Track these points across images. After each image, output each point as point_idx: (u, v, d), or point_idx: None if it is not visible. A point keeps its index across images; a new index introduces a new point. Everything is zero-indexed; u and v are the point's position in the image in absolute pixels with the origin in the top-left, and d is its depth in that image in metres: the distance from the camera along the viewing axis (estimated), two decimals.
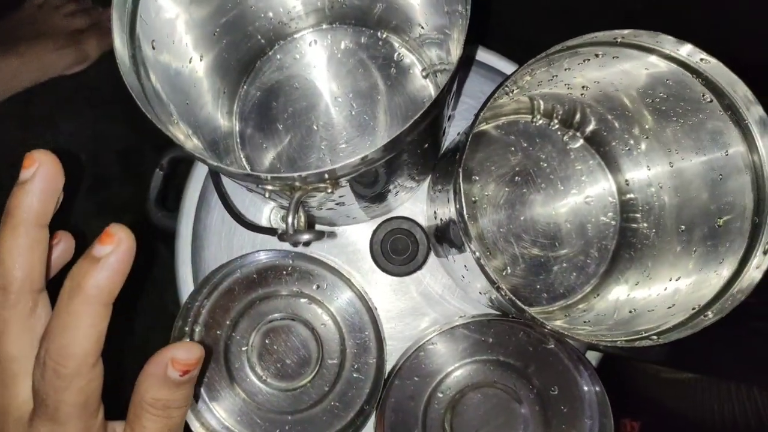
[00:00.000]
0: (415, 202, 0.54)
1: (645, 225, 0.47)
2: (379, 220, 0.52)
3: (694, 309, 0.36)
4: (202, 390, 0.51)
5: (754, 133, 0.35)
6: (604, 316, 0.44)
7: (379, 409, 0.47)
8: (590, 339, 0.36)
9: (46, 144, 0.72)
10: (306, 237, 0.35)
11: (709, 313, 0.35)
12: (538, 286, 0.51)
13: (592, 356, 0.55)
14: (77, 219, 0.74)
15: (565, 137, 0.51)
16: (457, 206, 0.37)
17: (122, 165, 0.75)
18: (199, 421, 0.49)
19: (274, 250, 0.50)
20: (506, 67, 0.57)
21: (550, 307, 0.51)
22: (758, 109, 0.34)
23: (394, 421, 0.48)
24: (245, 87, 0.52)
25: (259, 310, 0.51)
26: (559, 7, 0.87)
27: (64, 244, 0.36)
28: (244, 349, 0.51)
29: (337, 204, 0.43)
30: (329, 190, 0.36)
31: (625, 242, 0.49)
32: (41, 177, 0.30)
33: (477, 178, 0.52)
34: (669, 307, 0.39)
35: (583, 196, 0.51)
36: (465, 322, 0.48)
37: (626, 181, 0.49)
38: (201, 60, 0.45)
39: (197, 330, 0.51)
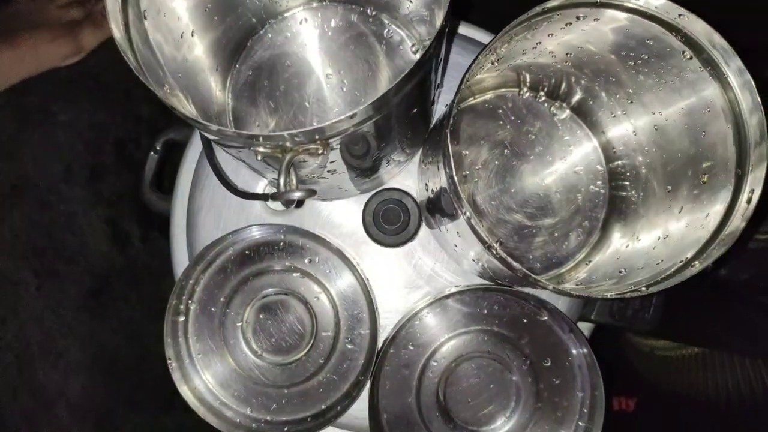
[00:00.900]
0: (407, 176, 0.54)
1: (633, 191, 0.48)
2: (371, 194, 0.52)
3: (681, 261, 0.37)
4: (200, 369, 0.51)
5: (734, 85, 0.36)
6: (596, 279, 0.45)
7: (373, 377, 0.48)
8: (579, 292, 0.36)
9: (43, 135, 0.73)
10: (298, 194, 0.36)
11: (696, 263, 0.36)
12: (531, 257, 0.51)
13: (584, 327, 0.55)
14: (74, 209, 0.74)
15: (552, 108, 0.52)
16: (447, 170, 0.37)
17: (119, 155, 0.76)
18: (197, 397, 0.50)
19: (267, 225, 0.50)
20: None
21: (543, 277, 0.51)
22: (736, 61, 0.35)
23: (389, 390, 0.48)
24: (237, 65, 0.52)
25: (252, 286, 0.52)
26: None
27: None
28: (238, 324, 0.51)
29: (329, 171, 0.44)
30: (320, 152, 0.37)
31: (615, 209, 0.50)
32: None
33: (467, 152, 0.53)
34: (658, 263, 0.39)
35: (572, 165, 0.52)
36: (460, 290, 0.48)
37: (613, 148, 0.50)
38: (193, 35, 0.46)
39: (192, 307, 0.51)
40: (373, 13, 0.52)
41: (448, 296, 0.49)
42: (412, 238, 0.51)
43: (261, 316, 0.51)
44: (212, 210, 0.55)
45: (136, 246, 0.80)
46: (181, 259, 0.57)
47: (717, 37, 0.35)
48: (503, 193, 0.52)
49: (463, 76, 0.38)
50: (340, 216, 0.55)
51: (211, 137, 0.38)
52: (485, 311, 0.51)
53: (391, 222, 0.50)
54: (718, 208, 0.37)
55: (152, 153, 0.59)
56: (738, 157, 0.37)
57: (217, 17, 0.47)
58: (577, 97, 0.50)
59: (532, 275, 0.36)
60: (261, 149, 0.37)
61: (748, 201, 0.35)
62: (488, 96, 0.53)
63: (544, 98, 0.52)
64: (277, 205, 0.55)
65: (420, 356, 0.50)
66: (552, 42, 0.43)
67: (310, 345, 0.51)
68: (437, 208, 0.46)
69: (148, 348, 0.78)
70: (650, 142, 0.45)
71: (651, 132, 0.45)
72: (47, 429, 0.75)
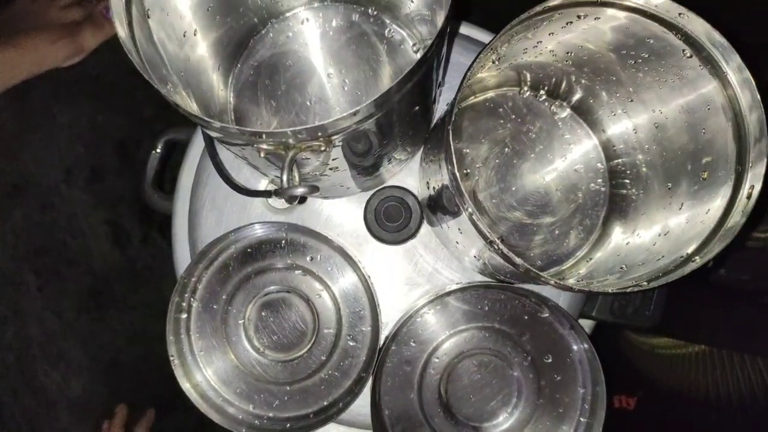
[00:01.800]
0: (408, 175, 0.55)
1: (633, 189, 0.48)
2: (372, 192, 0.52)
3: (682, 257, 0.37)
4: (202, 366, 0.51)
5: (733, 82, 0.36)
6: (597, 275, 0.45)
7: (375, 374, 0.48)
8: (581, 287, 0.37)
9: (44, 136, 0.73)
10: (301, 190, 0.36)
11: (697, 258, 0.36)
12: (532, 254, 0.52)
13: (585, 324, 0.55)
14: (75, 210, 0.74)
15: (553, 107, 0.52)
16: (449, 167, 0.38)
17: (120, 156, 0.76)
18: (200, 394, 0.50)
19: (269, 222, 0.50)
20: None
21: (544, 274, 0.52)
22: (735, 59, 0.35)
23: (391, 386, 0.48)
24: (239, 65, 0.53)
25: (254, 283, 0.52)
26: None
27: None
28: (240, 322, 0.52)
29: (331, 169, 0.44)
30: (323, 148, 0.37)
31: (615, 207, 0.50)
32: None
33: (468, 150, 0.53)
34: (658, 259, 0.39)
35: (572, 164, 0.52)
36: (461, 287, 0.48)
37: (613, 146, 0.50)
38: (195, 34, 0.46)
39: (194, 304, 0.52)
40: (375, 12, 0.52)
41: (449, 293, 0.49)
42: (413, 235, 0.51)
43: (263, 314, 0.51)
44: (214, 208, 0.55)
45: (136, 247, 0.80)
46: (182, 258, 0.58)
47: (716, 35, 0.35)
48: (504, 191, 0.52)
49: (464, 75, 0.38)
50: (342, 214, 0.55)
51: (214, 135, 0.39)
52: (486, 308, 0.51)
53: (392, 220, 0.50)
54: (718, 204, 0.38)
55: (154, 152, 0.59)
56: (738, 153, 0.37)
57: (219, 16, 0.48)
58: (577, 96, 0.50)
59: (534, 270, 0.36)
60: (264, 146, 0.37)
61: (748, 197, 0.36)
62: (489, 95, 0.53)
63: (544, 97, 0.52)
64: (278, 204, 0.55)
65: (422, 353, 0.50)
66: (552, 41, 0.43)
67: (312, 342, 0.51)
68: (439, 205, 0.46)
69: (149, 349, 0.78)
70: (650, 139, 0.46)
71: (651, 130, 0.45)
72: (48, 429, 0.75)
